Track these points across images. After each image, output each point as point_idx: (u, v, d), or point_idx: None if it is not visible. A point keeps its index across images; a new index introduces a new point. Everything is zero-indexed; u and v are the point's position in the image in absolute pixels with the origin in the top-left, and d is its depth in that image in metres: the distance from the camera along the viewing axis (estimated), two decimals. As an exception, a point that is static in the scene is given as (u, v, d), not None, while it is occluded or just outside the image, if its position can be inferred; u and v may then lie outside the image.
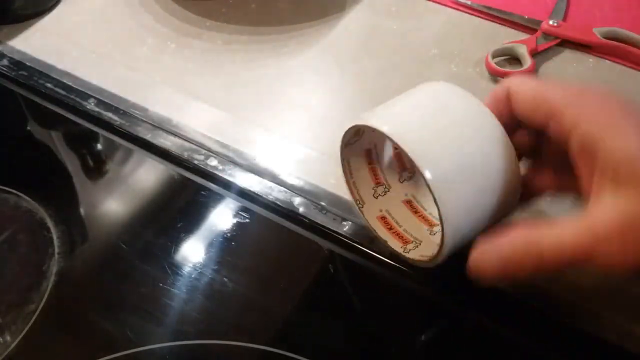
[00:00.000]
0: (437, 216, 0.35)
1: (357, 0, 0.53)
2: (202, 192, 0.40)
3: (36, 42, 0.50)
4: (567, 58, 0.47)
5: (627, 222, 0.21)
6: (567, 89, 0.25)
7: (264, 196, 0.38)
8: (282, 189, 0.39)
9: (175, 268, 0.36)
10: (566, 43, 0.48)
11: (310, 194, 0.38)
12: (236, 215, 0.38)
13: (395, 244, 0.34)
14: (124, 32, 0.51)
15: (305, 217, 0.37)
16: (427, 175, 0.27)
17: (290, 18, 0.51)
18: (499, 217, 0.30)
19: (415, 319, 0.34)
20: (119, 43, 0.50)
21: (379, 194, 0.35)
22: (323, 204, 0.38)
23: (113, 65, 0.47)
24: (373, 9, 0.52)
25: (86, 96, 0.45)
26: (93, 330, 0.34)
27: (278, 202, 0.38)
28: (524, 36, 0.49)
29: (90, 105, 0.44)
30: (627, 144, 0.22)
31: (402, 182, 0.36)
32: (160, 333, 0.33)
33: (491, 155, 0.28)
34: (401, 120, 0.29)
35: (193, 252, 0.37)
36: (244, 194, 0.39)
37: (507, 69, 0.45)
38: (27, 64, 0.48)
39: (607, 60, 0.47)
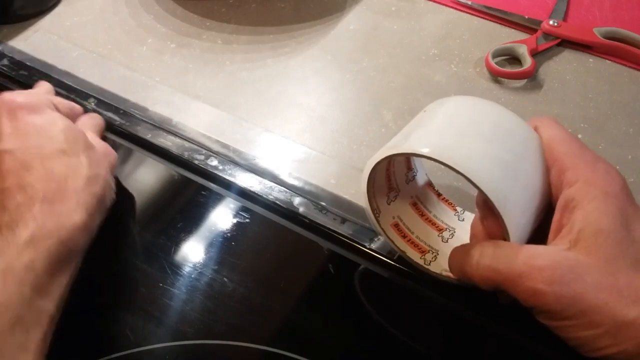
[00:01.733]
0: (441, 219, 0.35)
1: (357, 0, 0.53)
2: (202, 192, 0.40)
3: (36, 42, 0.50)
4: (567, 58, 0.47)
5: (563, 265, 0.25)
6: (584, 152, 0.29)
7: (264, 196, 0.38)
8: (282, 189, 0.39)
9: (175, 268, 0.36)
10: (566, 43, 0.48)
11: (310, 194, 0.38)
12: (236, 215, 0.38)
13: (413, 254, 0.33)
14: (124, 32, 0.51)
15: (305, 217, 0.37)
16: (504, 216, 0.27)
17: (290, 18, 0.51)
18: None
19: (415, 319, 0.34)
20: (119, 43, 0.50)
21: (392, 200, 0.34)
22: (323, 204, 0.38)
23: (113, 65, 0.47)
24: (373, 9, 0.52)
25: (86, 96, 0.45)
26: (93, 330, 0.34)
27: (278, 202, 0.38)
28: (524, 36, 0.49)
29: (91, 105, 0.44)
30: (599, 221, 0.26)
31: (407, 184, 0.35)
32: (160, 333, 0.33)
33: (537, 166, 0.29)
34: (465, 152, 0.28)
35: (193, 252, 0.37)
36: (244, 194, 0.39)
37: (507, 69, 0.45)
38: (27, 64, 0.48)
39: (607, 60, 0.47)
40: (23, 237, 0.29)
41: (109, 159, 0.37)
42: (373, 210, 0.33)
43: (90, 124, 0.40)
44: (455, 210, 0.36)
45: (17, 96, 0.35)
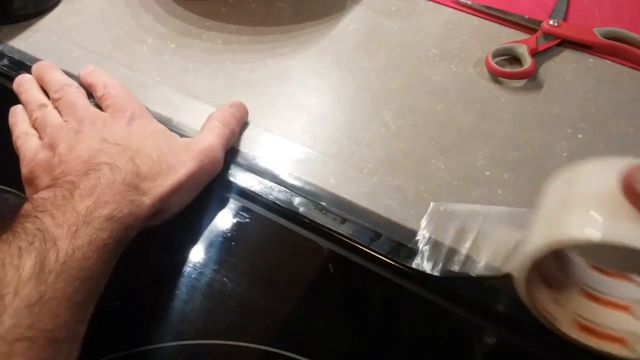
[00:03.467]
0: (620, 295, 0.31)
1: (357, 0, 0.53)
2: (202, 192, 0.40)
3: (36, 42, 0.50)
4: (567, 58, 0.47)
5: None
6: None
7: (264, 196, 0.38)
8: (282, 189, 0.39)
9: (175, 268, 0.36)
10: (566, 43, 0.48)
11: (310, 194, 0.38)
12: (236, 215, 0.38)
13: (615, 349, 0.29)
14: (124, 32, 0.51)
15: (305, 217, 0.37)
16: None
17: (290, 18, 0.51)
18: None
19: (415, 319, 0.34)
20: (119, 43, 0.50)
21: (559, 299, 0.30)
22: (323, 204, 0.38)
23: (113, 65, 0.47)
24: (373, 9, 0.52)
25: (86, 96, 0.45)
26: (93, 330, 0.34)
27: (278, 202, 0.38)
28: (524, 36, 0.49)
29: (90, 105, 0.44)
30: None
31: (565, 274, 0.31)
32: (160, 333, 0.33)
33: None
34: None
35: (193, 252, 0.37)
36: (244, 194, 0.39)
37: (507, 69, 0.45)
38: (27, 64, 0.47)
39: (607, 60, 0.47)
40: (104, 213, 0.31)
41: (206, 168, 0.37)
42: (550, 319, 0.29)
43: (221, 117, 0.41)
44: (631, 279, 0.32)
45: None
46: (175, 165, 0.35)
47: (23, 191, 0.39)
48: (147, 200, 0.33)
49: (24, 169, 0.37)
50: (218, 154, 0.38)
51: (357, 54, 0.48)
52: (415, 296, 0.34)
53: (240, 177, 0.39)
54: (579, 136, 0.41)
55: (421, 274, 0.33)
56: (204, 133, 0.39)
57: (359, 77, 0.46)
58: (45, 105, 0.41)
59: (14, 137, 0.40)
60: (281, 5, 0.53)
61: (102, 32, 0.51)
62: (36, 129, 0.40)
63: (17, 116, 0.42)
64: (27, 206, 0.32)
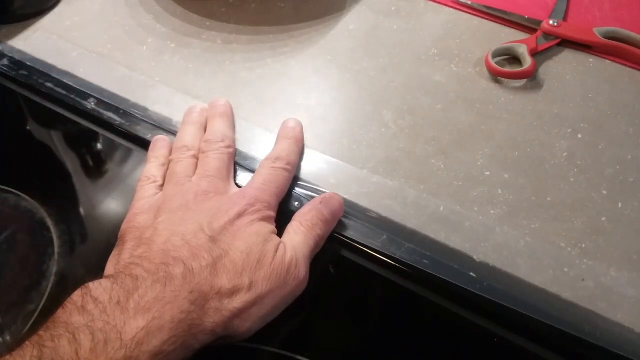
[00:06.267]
0: None
1: (357, 0, 0.53)
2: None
3: (36, 42, 0.50)
4: (567, 58, 0.47)
5: None
6: None
7: (264, 196, 0.38)
8: (282, 189, 0.39)
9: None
10: (566, 43, 0.48)
11: (309, 194, 0.38)
12: (236, 215, 0.38)
13: None
14: (124, 32, 0.51)
15: (305, 217, 0.37)
16: None
17: (290, 18, 0.51)
18: None
19: (415, 320, 0.34)
20: (119, 43, 0.50)
21: None
22: (323, 204, 0.38)
23: (113, 65, 0.47)
24: (373, 9, 0.52)
25: (86, 96, 0.45)
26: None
27: (278, 202, 0.38)
28: (524, 36, 0.49)
29: (91, 105, 0.44)
30: None
31: None
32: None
33: None
34: None
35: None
36: (244, 194, 0.39)
37: (507, 69, 0.45)
38: (27, 64, 0.48)
39: (607, 60, 0.47)
40: (151, 346, 0.26)
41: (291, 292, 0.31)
42: None
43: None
44: None
45: (258, 197, 0.34)
46: (257, 282, 0.30)
47: (23, 191, 0.39)
48: (209, 324, 0.28)
49: (123, 225, 0.34)
50: (301, 272, 0.32)
51: (357, 53, 0.48)
52: (415, 296, 0.35)
53: (240, 177, 0.39)
54: (579, 136, 0.41)
55: (422, 274, 0.33)
56: (287, 239, 0.33)
57: (359, 77, 0.46)
58: (188, 151, 0.38)
59: (141, 175, 0.37)
60: (281, 5, 0.53)
61: (102, 32, 0.51)
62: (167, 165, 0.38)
63: (155, 151, 0.39)
64: (76, 296, 0.27)
